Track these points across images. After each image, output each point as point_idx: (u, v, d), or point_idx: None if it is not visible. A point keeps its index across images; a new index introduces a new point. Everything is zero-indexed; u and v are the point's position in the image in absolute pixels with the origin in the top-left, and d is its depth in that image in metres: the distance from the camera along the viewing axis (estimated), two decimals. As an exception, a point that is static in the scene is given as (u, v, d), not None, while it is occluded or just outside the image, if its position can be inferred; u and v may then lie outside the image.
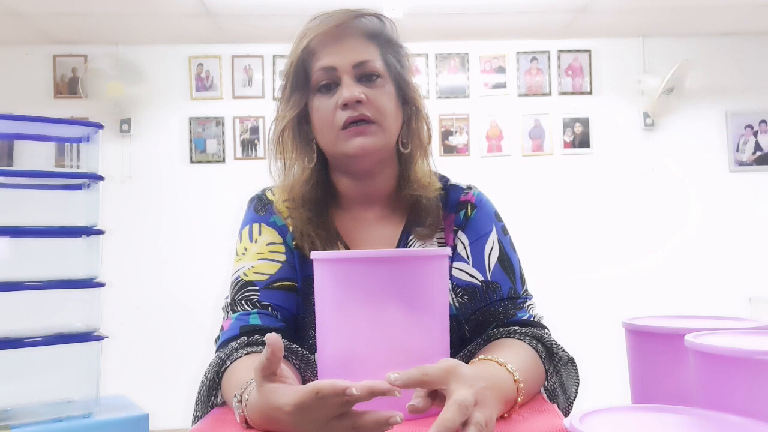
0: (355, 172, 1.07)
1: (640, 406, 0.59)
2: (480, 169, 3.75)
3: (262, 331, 0.98)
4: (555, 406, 0.93)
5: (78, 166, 1.00)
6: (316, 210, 1.06)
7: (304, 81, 1.04)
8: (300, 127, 1.06)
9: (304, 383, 0.86)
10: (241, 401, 0.78)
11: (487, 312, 1.03)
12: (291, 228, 1.07)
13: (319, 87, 1.03)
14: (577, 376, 1.01)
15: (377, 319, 0.75)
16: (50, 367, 0.94)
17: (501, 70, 3.88)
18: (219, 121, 3.77)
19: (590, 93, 3.86)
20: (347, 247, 1.07)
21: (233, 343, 0.96)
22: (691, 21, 3.66)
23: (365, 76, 1.02)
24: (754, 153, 3.87)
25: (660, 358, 0.72)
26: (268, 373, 0.72)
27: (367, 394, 0.65)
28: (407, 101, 1.08)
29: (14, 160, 0.99)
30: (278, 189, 1.11)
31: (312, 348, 0.99)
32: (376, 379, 0.66)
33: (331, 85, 1.02)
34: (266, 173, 1.11)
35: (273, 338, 0.69)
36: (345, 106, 1.00)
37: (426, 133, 1.10)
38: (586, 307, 3.66)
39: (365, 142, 1.01)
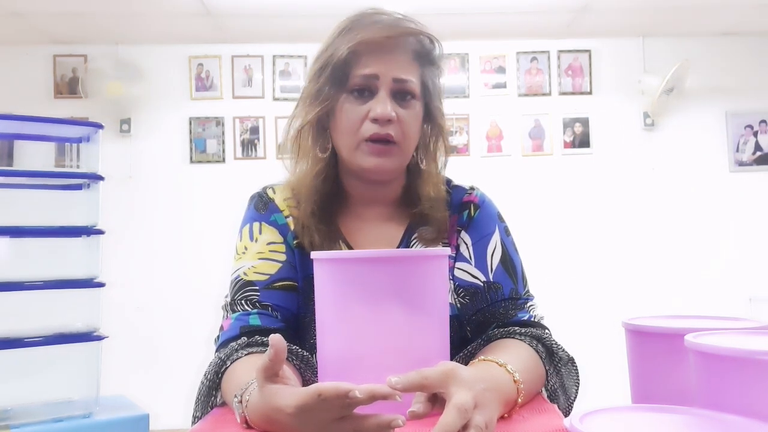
0: (365, 179, 1.07)
1: (640, 406, 0.59)
2: (480, 169, 3.75)
3: (262, 331, 0.98)
4: (555, 406, 0.93)
5: (78, 166, 1.00)
6: (322, 204, 1.06)
7: (340, 80, 1.02)
8: (320, 120, 1.05)
9: (304, 384, 0.86)
10: (241, 402, 0.78)
11: (488, 312, 1.03)
12: (292, 226, 1.07)
13: (353, 90, 1.02)
14: (578, 376, 1.01)
15: (377, 319, 0.75)
16: (50, 367, 0.94)
17: (501, 70, 3.87)
18: (219, 121, 3.77)
19: (590, 93, 3.86)
20: (349, 246, 1.07)
21: (233, 344, 0.96)
22: (691, 21, 3.66)
23: (400, 94, 1.01)
24: (754, 153, 3.87)
25: (660, 358, 0.72)
26: (270, 374, 0.72)
27: (369, 398, 0.65)
28: (431, 121, 1.08)
29: (14, 160, 0.99)
30: (280, 187, 1.11)
31: (313, 348, 0.99)
32: (376, 379, 0.66)
33: (365, 92, 1.01)
34: (266, 173, 1.11)
35: (276, 339, 0.69)
36: (375, 120, 0.99)
37: (444, 155, 1.11)
38: (586, 307, 3.66)
39: (383, 162, 1.01)
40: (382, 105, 0.99)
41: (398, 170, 1.07)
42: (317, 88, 1.04)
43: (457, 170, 1.25)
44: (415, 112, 1.04)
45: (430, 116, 1.08)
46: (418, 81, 1.04)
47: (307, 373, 0.93)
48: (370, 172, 1.03)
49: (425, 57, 1.05)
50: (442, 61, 1.09)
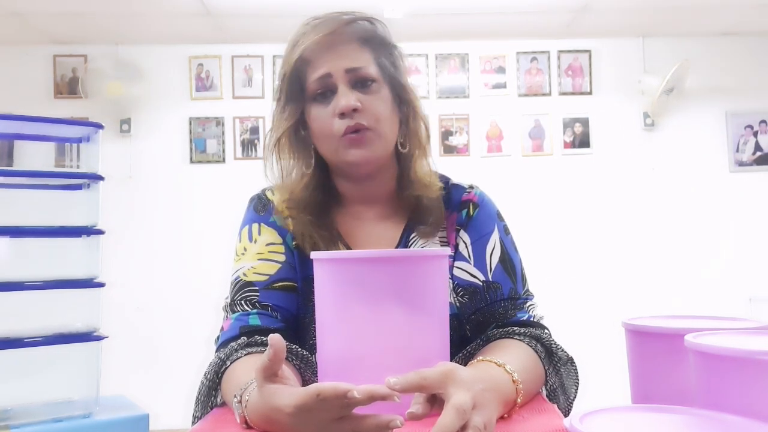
0: (356, 176, 1.07)
1: (640, 406, 0.59)
2: (480, 169, 3.75)
3: (262, 331, 0.98)
4: (555, 406, 0.93)
5: (78, 166, 1.00)
6: (317, 212, 1.06)
7: (299, 90, 1.04)
8: (297, 134, 1.06)
9: (304, 384, 0.86)
10: (241, 402, 0.78)
11: (488, 312, 1.03)
12: (291, 228, 1.07)
13: (315, 96, 1.02)
14: (577, 376, 1.01)
15: (377, 319, 0.75)
16: (50, 367, 0.94)
17: (501, 70, 3.87)
18: (219, 121, 3.77)
19: (590, 93, 3.86)
20: (348, 247, 1.07)
21: (233, 344, 0.96)
22: (691, 21, 3.66)
23: (359, 82, 1.02)
24: (754, 153, 3.87)
25: (660, 358, 0.72)
26: (270, 374, 0.72)
27: (368, 398, 0.65)
28: (403, 102, 1.08)
29: (14, 160, 0.99)
30: (278, 189, 1.11)
31: (312, 348, 0.99)
32: (376, 379, 0.66)
33: (327, 93, 1.02)
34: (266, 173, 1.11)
35: (276, 339, 0.70)
36: (342, 114, 1.00)
37: (424, 132, 1.10)
38: (586, 307, 3.66)
39: (365, 152, 1.01)
40: (344, 98, 0.99)
41: (384, 157, 1.05)
42: (282, 104, 1.06)
43: (457, 170, 1.25)
44: (381, 95, 1.03)
45: (400, 96, 1.07)
46: (374, 64, 1.04)
47: (307, 372, 0.93)
48: (357, 164, 1.02)
49: (372, 39, 1.05)
50: (391, 37, 1.08)
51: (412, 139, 1.08)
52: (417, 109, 1.09)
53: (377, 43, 1.06)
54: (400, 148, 1.07)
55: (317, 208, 1.06)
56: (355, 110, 0.99)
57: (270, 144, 1.08)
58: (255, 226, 1.08)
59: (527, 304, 1.05)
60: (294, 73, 1.03)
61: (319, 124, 1.03)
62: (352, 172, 1.06)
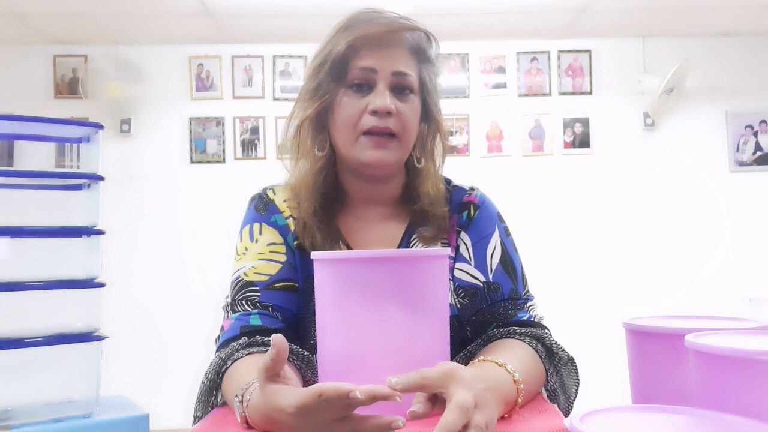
0: (365, 176, 1.07)
1: (640, 406, 0.59)
2: (480, 170, 3.75)
3: (263, 331, 0.98)
4: (555, 406, 0.93)
5: (78, 167, 1.00)
6: (323, 203, 1.06)
7: (339, 74, 1.02)
8: (319, 117, 1.05)
9: (305, 385, 0.86)
10: (242, 401, 0.78)
11: (488, 313, 1.03)
12: (292, 227, 1.07)
13: (352, 85, 1.02)
14: (577, 376, 1.01)
15: (377, 319, 0.75)
16: (50, 367, 0.94)
17: (501, 70, 3.87)
18: (219, 121, 3.77)
19: (590, 93, 3.86)
20: (349, 247, 1.07)
21: (234, 344, 0.96)
22: (691, 21, 3.66)
23: (399, 88, 1.02)
24: (754, 153, 3.87)
25: (660, 358, 0.72)
26: (272, 374, 0.72)
27: (369, 398, 0.65)
28: (429, 119, 1.09)
29: (14, 160, 0.99)
30: (280, 188, 1.11)
31: (313, 348, 0.99)
32: (377, 379, 0.66)
33: (364, 86, 1.01)
34: (266, 173, 1.11)
35: (278, 339, 0.70)
36: (374, 113, 1.00)
37: (441, 153, 1.11)
38: (586, 307, 3.66)
39: (382, 155, 1.01)
40: (381, 98, 0.99)
41: (397, 164, 1.06)
42: (316, 83, 1.04)
43: (457, 170, 1.25)
44: (414, 106, 1.04)
45: (428, 113, 1.08)
46: (416, 76, 1.04)
47: (308, 373, 0.93)
48: (370, 166, 1.02)
49: (422, 53, 1.06)
50: (439, 59, 1.09)
51: (427, 157, 1.09)
52: (440, 130, 1.10)
53: (425, 57, 1.07)
54: (415, 162, 1.08)
55: (322, 199, 1.06)
56: (389, 113, 0.99)
57: (296, 120, 1.06)
58: (256, 225, 1.08)
59: (528, 305, 1.05)
60: (340, 57, 1.01)
61: (345, 114, 1.02)
62: (363, 171, 1.05)
